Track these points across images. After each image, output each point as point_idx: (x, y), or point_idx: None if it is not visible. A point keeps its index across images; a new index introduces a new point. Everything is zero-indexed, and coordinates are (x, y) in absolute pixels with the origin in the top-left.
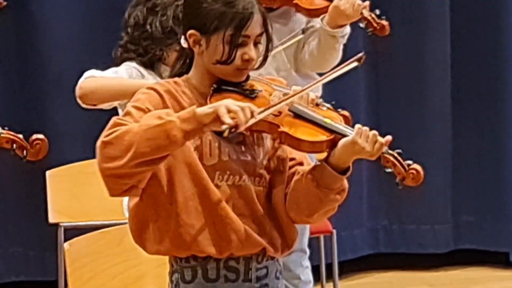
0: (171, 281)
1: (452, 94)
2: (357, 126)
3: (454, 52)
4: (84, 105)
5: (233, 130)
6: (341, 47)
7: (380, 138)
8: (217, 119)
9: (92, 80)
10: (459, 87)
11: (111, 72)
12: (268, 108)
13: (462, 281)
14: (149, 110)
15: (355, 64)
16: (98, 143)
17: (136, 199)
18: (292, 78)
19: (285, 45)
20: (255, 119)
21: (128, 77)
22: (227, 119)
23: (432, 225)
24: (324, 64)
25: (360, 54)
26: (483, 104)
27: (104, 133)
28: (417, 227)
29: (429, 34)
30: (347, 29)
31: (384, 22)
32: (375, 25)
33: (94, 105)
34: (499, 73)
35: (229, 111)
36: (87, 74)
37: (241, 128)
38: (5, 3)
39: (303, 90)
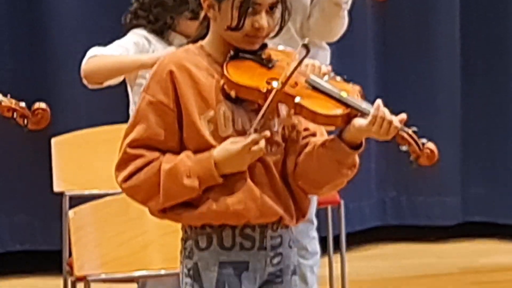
0: (184, 248)
1: (461, 66)
2: (376, 104)
3: (463, 24)
4: (90, 86)
5: None
6: (346, 13)
7: (395, 122)
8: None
9: (94, 59)
10: (468, 59)
11: (115, 45)
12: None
13: (470, 254)
14: (163, 104)
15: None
16: (118, 181)
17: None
18: (294, 41)
19: None
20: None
21: (135, 46)
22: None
23: (441, 197)
24: (331, 33)
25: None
26: (492, 76)
27: (119, 167)
28: (425, 199)
29: (438, 5)
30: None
31: None
32: None
33: (100, 83)
34: (509, 45)
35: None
36: (89, 53)
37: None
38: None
39: (297, 65)
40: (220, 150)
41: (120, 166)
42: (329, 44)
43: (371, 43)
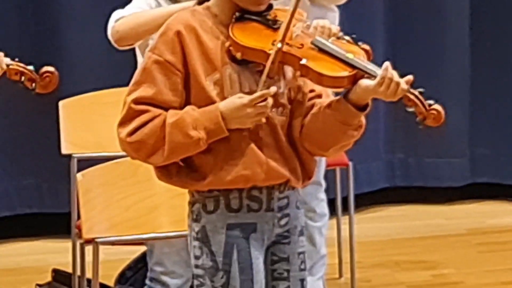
0: (192, 211)
1: (470, 27)
2: (384, 64)
3: None
4: (120, 48)
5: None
6: None
7: (403, 84)
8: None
9: (125, 21)
10: (478, 19)
11: (135, 7)
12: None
13: (478, 215)
14: (169, 63)
15: None
16: (121, 136)
17: None
18: (307, 9)
19: None
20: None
21: (149, 7)
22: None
23: (449, 159)
24: None
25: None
26: (501, 38)
27: (123, 122)
28: (433, 160)
29: None
30: None
31: None
32: None
33: (131, 44)
34: None
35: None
36: (114, 16)
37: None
38: None
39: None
40: (226, 103)
41: (124, 122)
42: (338, 6)
43: (380, 4)
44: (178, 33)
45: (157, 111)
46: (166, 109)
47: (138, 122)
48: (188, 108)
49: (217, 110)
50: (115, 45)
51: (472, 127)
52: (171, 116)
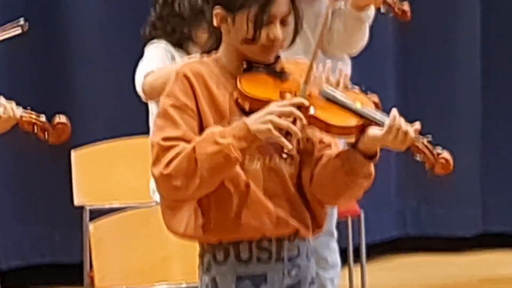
0: (202, 263)
1: (482, 76)
2: (392, 114)
3: (484, 36)
4: (150, 101)
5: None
6: (368, 27)
7: (411, 132)
8: (270, 134)
9: (158, 76)
10: (489, 68)
11: (155, 60)
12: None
13: (490, 264)
14: (187, 106)
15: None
16: (156, 173)
17: None
18: (320, 59)
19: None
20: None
21: (166, 56)
22: (286, 144)
23: (461, 208)
24: (352, 46)
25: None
26: None
27: (156, 160)
28: (445, 209)
29: (459, 19)
30: (372, 11)
31: (406, 8)
32: (396, 10)
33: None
34: None
35: (279, 127)
36: (143, 71)
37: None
38: (26, 26)
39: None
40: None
41: (157, 160)
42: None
43: (391, 55)
44: (188, 78)
45: (185, 144)
46: None
47: (172, 154)
48: (212, 127)
49: (243, 120)
50: (145, 99)
51: (483, 176)
52: (198, 138)
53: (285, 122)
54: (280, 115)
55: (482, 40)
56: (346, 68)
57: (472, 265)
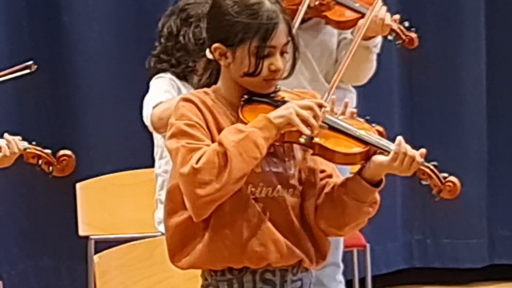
0: None
1: (487, 107)
2: (397, 140)
3: (489, 65)
4: (158, 133)
5: (310, 136)
6: (375, 57)
7: (417, 157)
8: (289, 125)
9: (166, 108)
10: (495, 100)
11: (162, 91)
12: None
13: None
14: (199, 125)
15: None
16: (185, 171)
17: (179, 215)
18: (324, 90)
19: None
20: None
21: (173, 90)
22: (305, 129)
23: (467, 240)
24: (360, 76)
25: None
26: None
27: (183, 162)
28: (451, 241)
29: (464, 47)
30: (379, 39)
31: (413, 35)
32: (403, 37)
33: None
34: None
35: (299, 116)
36: (151, 102)
37: (316, 130)
38: (34, 67)
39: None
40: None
41: (184, 160)
42: (355, 87)
43: (396, 85)
44: (195, 103)
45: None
46: None
47: (200, 153)
48: None
49: (261, 114)
50: (154, 131)
51: (490, 208)
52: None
53: (305, 112)
54: (301, 107)
55: (488, 71)
56: (352, 98)
57: None
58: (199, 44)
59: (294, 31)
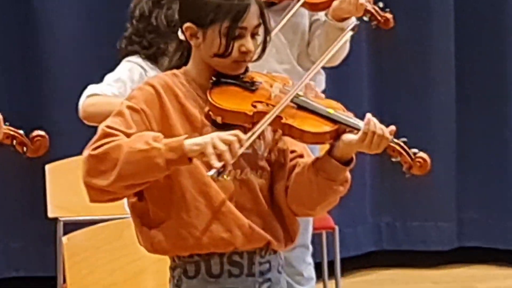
0: (173, 276)
1: (456, 89)
2: (366, 118)
3: (458, 46)
4: (89, 124)
5: (221, 170)
6: (349, 37)
7: (386, 134)
8: (203, 155)
9: (94, 102)
10: (463, 82)
11: (111, 80)
12: (254, 133)
13: (466, 279)
14: (143, 112)
15: (350, 33)
16: (85, 154)
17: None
18: (296, 72)
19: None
20: (243, 148)
21: (129, 73)
22: (215, 162)
23: (436, 222)
24: (334, 57)
25: (354, 23)
26: (487, 99)
27: (92, 143)
28: (420, 224)
29: (433, 28)
30: (353, 19)
31: (388, 15)
32: (379, 18)
33: (96, 124)
34: (503, 68)
35: (215, 148)
36: (87, 92)
37: (229, 167)
38: None
39: (300, 83)
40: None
41: (93, 141)
42: (325, 68)
43: (365, 66)
44: (156, 89)
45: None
46: None
47: (107, 140)
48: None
49: (184, 136)
50: (83, 121)
51: (459, 191)
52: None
53: (223, 145)
54: (221, 140)
55: (456, 52)
56: (321, 80)
57: (447, 280)
58: (171, 26)
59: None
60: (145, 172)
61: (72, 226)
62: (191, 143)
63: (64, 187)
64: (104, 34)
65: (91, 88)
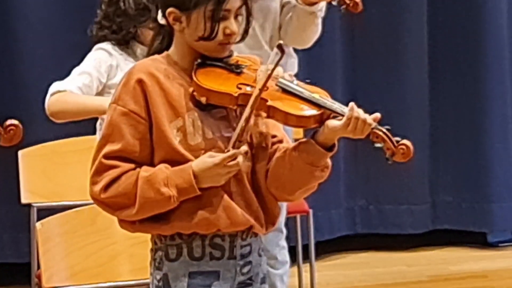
0: (154, 259)
1: (429, 73)
2: (350, 105)
3: (431, 29)
4: (57, 121)
5: None
6: (320, 20)
7: (369, 120)
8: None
9: (59, 99)
10: (437, 66)
11: (76, 74)
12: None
13: (439, 262)
14: (134, 112)
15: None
16: (94, 195)
17: None
18: (268, 56)
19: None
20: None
21: (95, 71)
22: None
23: (410, 205)
24: (305, 40)
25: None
26: (460, 82)
27: (94, 179)
28: (394, 207)
29: (406, 10)
30: (323, 3)
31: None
32: (347, 1)
33: (61, 121)
34: (476, 50)
35: (228, 173)
36: (51, 90)
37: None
38: None
39: (274, 66)
40: (198, 162)
41: (95, 178)
42: (297, 51)
43: (339, 50)
44: (140, 81)
45: (126, 166)
46: (137, 161)
47: (108, 178)
48: (161, 165)
49: (190, 169)
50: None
51: (432, 174)
52: (144, 171)
53: (233, 170)
54: (226, 161)
55: (429, 37)
56: (294, 63)
57: (421, 262)
58: (139, 9)
59: None
60: (163, 209)
61: (45, 212)
62: (203, 180)
63: (37, 173)
64: (76, 18)
65: (55, 86)
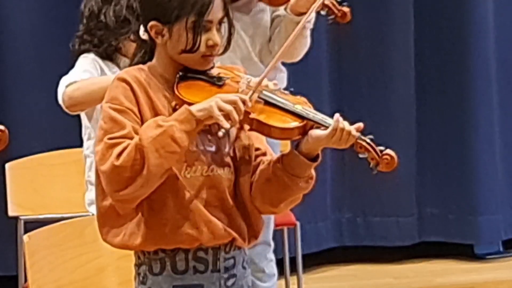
0: (138, 273)
1: (416, 85)
2: (336, 117)
3: (417, 41)
4: (72, 113)
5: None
6: (309, 32)
7: (353, 131)
8: (211, 118)
9: (78, 87)
10: (423, 78)
11: (81, 71)
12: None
13: (427, 274)
14: (130, 109)
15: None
16: (106, 167)
17: (108, 199)
18: (258, 68)
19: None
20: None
21: (94, 70)
22: (224, 123)
23: (397, 218)
24: (295, 53)
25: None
26: (447, 94)
27: (102, 158)
28: (381, 219)
29: (393, 22)
30: (312, 15)
31: (345, 9)
32: (336, 11)
33: (83, 110)
34: (463, 62)
35: (221, 110)
36: (65, 81)
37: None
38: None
39: (267, 72)
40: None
41: (103, 156)
42: (285, 64)
43: (325, 62)
44: (129, 84)
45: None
46: None
47: (119, 148)
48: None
49: (185, 106)
50: (67, 110)
51: (419, 186)
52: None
53: (228, 106)
54: (224, 101)
55: (416, 45)
56: (283, 78)
57: (408, 274)
58: (119, 21)
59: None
60: (172, 152)
61: (33, 225)
62: (197, 109)
63: (25, 185)
64: (60, 30)
65: (67, 78)
